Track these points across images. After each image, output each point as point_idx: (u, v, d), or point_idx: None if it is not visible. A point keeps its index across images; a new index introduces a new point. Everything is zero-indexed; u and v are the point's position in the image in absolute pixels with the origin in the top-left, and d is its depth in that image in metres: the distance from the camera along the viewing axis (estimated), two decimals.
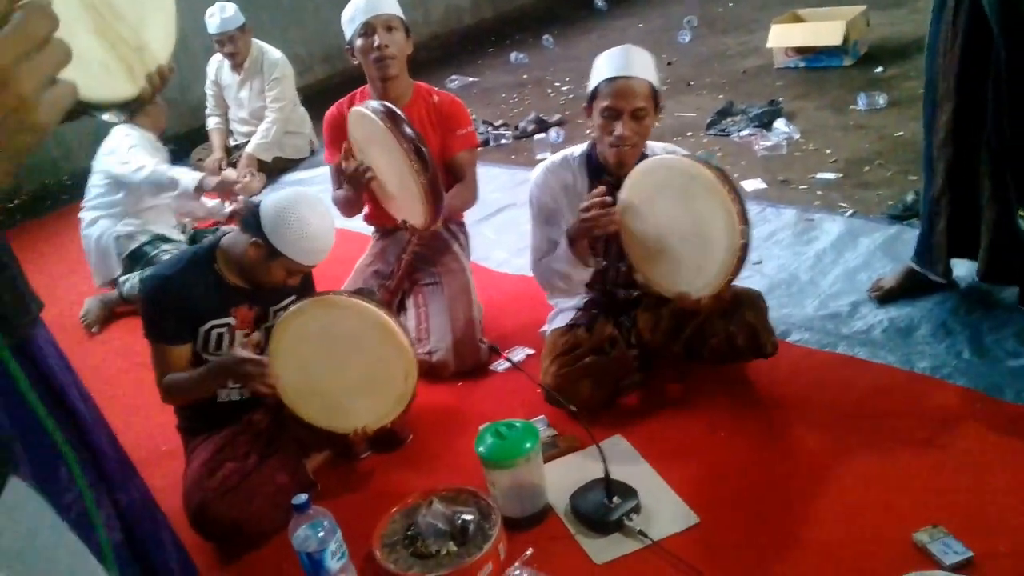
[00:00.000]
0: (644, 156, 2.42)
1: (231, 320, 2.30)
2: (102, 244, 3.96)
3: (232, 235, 2.31)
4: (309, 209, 2.23)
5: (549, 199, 2.52)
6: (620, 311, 2.58)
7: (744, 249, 2.11)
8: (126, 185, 3.92)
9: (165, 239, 3.96)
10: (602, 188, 2.29)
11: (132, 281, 3.75)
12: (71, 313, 3.92)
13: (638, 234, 2.31)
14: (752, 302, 2.42)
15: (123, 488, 1.63)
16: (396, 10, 2.89)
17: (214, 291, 2.27)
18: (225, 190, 4.33)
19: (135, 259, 3.89)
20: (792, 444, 2.24)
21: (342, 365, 2.26)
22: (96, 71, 1.31)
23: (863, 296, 2.80)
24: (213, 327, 2.27)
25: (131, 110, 1.59)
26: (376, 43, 2.81)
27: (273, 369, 2.14)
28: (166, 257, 3.76)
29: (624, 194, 2.30)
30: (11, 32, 0.62)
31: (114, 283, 3.95)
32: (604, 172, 2.45)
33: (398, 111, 2.60)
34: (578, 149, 2.56)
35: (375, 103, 2.64)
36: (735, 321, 2.36)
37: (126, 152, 3.90)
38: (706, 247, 2.15)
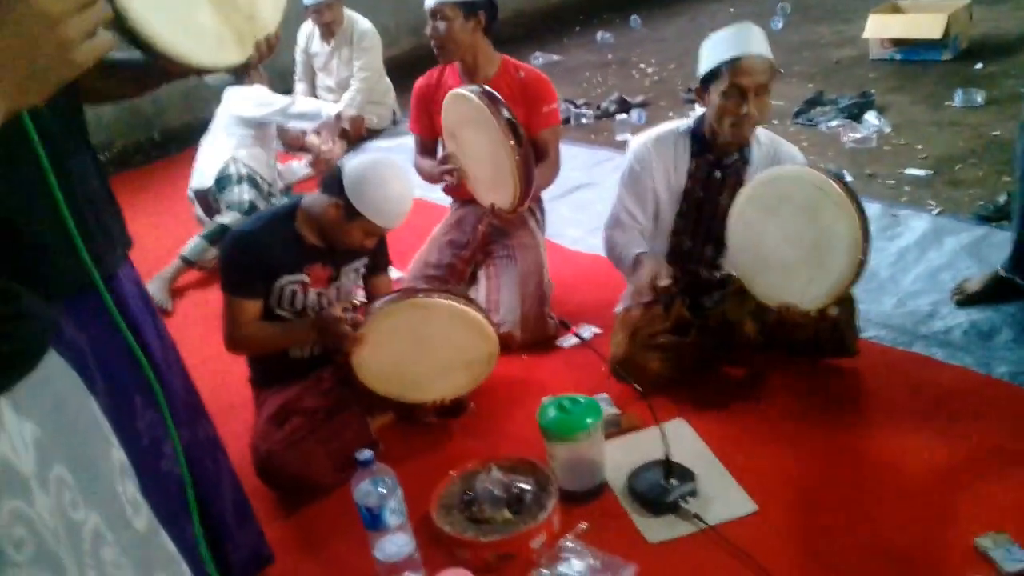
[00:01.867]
0: (749, 144, 2.43)
1: (305, 277, 2.34)
2: (212, 163, 4.12)
3: (313, 196, 2.36)
4: (391, 173, 2.28)
5: (646, 175, 2.49)
6: (701, 291, 2.56)
7: (862, 266, 2.09)
8: (253, 125, 4.14)
9: (253, 181, 4.04)
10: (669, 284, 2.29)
11: (192, 243, 3.80)
12: (161, 260, 4.03)
13: (747, 242, 2.29)
14: (842, 303, 2.35)
15: (188, 426, 1.70)
16: None
17: (291, 248, 2.32)
18: (357, 126, 4.97)
19: (220, 183, 3.99)
20: (859, 440, 2.20)
21: (427, 355, 2.33)
22: (211, 41, 1.38)
23: (944, 296, 2.72)
24: (288, 283, 2.32)
25: (237, 73, 1.65)
26: (429, 31, 2.91)
27: (362, 334, 2.22)
28: (234, 196, 3.90)
29: (742, 199, 2.28)
30: None
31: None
32: (708, 149, 2.44)
33: (495, 93, 2.64)
34: (682, 124, 2.53)
35: (474, 86, 2.69)
36: (823, 319, 2.29)
37: (265, 95, 4.23)
38: (823, 261, 2.12)
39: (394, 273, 2.91)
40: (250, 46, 1.45)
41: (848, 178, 2.27)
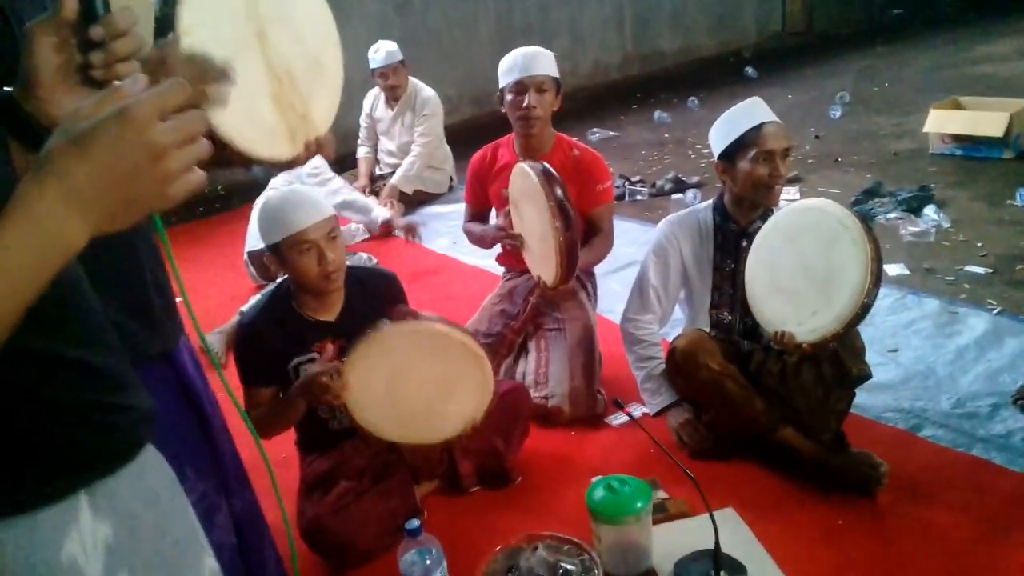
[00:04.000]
0: (770, 210, 2.52)
1: (315, 355, 2.30)
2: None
3: None
4: (265, 199, 2.32)
5: (672, 248, 2.65)
6: (743, 364, 2.55)
7: (865, 308, 2.12)
8: None
9: None
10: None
11: (254, 301, 3.87)
12: (214, 312, 4.11)
13: (765, 268, 2.36)
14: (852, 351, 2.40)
15: (238, 495, 1.71)
16: (551, 71, 2.97)
17: (295, 329, 2.28)
18: (409, 229, 4.98)
19: None
20: (915, 545, 2.13)
21: (418, 385, 2.19)
22: (266, 134, 1.46)
23: (1005, 399, 2.66)
24: (299, 363, 2.29)
25: (284, 168, 1.72)
26: (525, 103, 2.91)
27: (345, 380, 2.09)
28: None
29: (769, 225, 2.38)
30: (175, 123, 0.74)
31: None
32: (730, 219, 2.57)
33: (554, 173, 2.68)
34: (702, 204, 2.71)
35: (537, 164, 2.73)
36: (815, 360, 2.35)
37: (322, 167, 4.50)
38: (829, 294, 2.17)
39: None
40: (300, 144, 1.52)
41: (870, 223, 2.33)
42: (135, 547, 0.91)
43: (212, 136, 1.37)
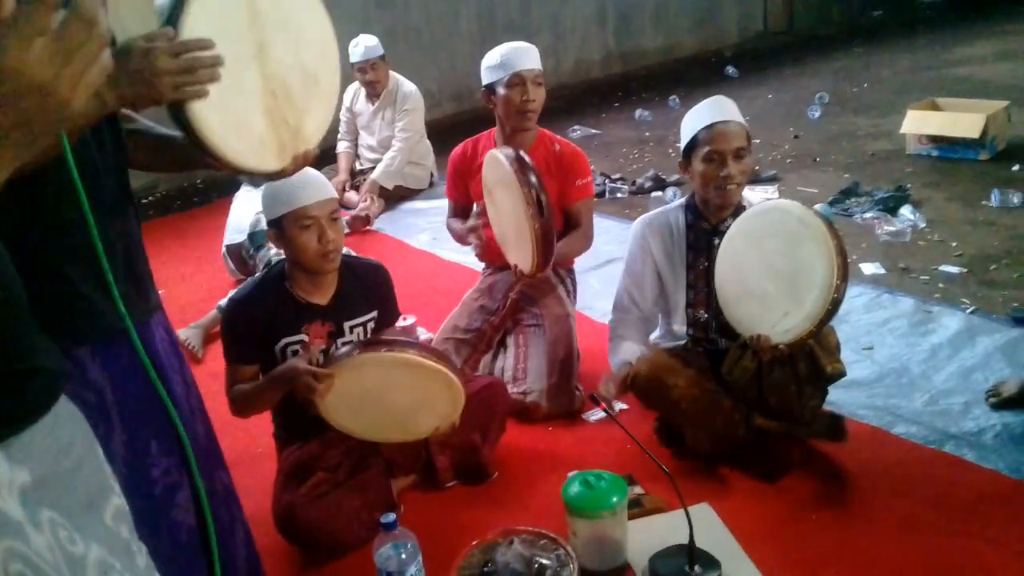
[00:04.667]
0: (741, 205, 2.52)
1: (304, 337, 2.32)
2: (242, 218, 4.23)
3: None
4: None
5: (639, 249, 2.66)
6: (718, 359, 2.55)
7: (835, 304, 2.12)
8: None
9: None
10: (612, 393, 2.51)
11: (228, 297, 3.87)
12: (191, 306, 4.08)
13: (733, 272, 2.37)
14: (820, 385, 2.40)
15: (207, 474, 1.70)
16: (540, 64, 2.98)
17: (286, 309, 2.30)
18: (356, 227, 4.98)
19: (254, 239, 4.11)
20: (888, 539, 2.16)
21: (390, 404, 2.26)
22: (255, 145, 1.47)
23: (977, 397, 2.70)
24: (287, 344, 2.30)
25: (270, 179, 1.73)
26: (524, 97, 2.91)
27: (322, 388, 2.12)
28: (272, 253, 3.97)
29: (733, 229, 2.38)
30: (53, 44, 0.70)
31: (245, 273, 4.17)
32: (702, 218, 2.57)
33: (528, 159, 2.66)
34: (675, 202, 2.73)
35: (509, 150, 2.72)
36: (792, 360, 2.34)
37: None
38: (799, 295, 2.17)
39: (404, 322, 2.93)
40: (288, 157, 1.53)
41: (831, 219, 2.32)
42: (51, 491, 0.95)
43: (198, 141, 1.38)
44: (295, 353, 2.31)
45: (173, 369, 1.66)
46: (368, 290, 2.42)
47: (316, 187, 2.24)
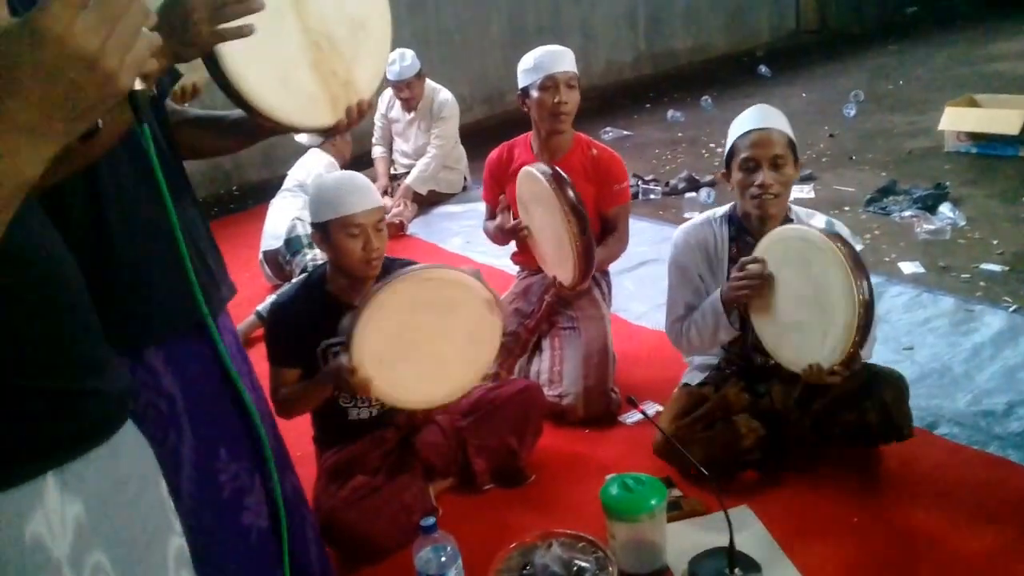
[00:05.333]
0: (788, 219, 2.42)
1: (344, 339, 2.33)
2: (278, 224, 4.28)
3: None
4: (324, 177, 2.30)
5: (688, 261, 2.52)
6: (755, 378, 2.53)
7: (866, 307, 2.05)
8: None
9: None
10: (743, 260, 2.29)
11: (269, 300, 3.91)
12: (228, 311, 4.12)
13: (768, 313, 2.28)
14: (891, 381, 2.34)
15: (283, 477, 1.70)
16: (575, 67, 2.97)
17: (327, 312, 2.31)
18: (391, 232, 4.94)
19: (291, 245, 4.14)
20: (930, 541, 2.13)
21: (427, 337, 2.16)
22: (304, 101, 1.43)
23: (1021, 397, 2.65)
24: (329, 346, 2.32)
25: (326, 135, 1.69)
26: (557, 99, 2.90)
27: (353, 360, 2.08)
28: (308, 259, 4.00)
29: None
30: (94, 15, 0.65)
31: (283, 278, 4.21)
32: (746, 232, 2.45)
33: (564, 175, 2.67)
34: (720, 210, 2.56)
35: (544, 166, 2.72)
36: (870, 399, 2.28)
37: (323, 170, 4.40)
38: (828, 311, 2.10)
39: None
40: (342, 111, 1.48)
41: (831, 228, 2.24)
42: (106, 526, 0.91)
43: (247, 105, 1.35)
44: (336, 355, 2.32)
45: (243, 371, 1.65)
46: None
47: (365, 195, 2.25)
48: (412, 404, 2.26)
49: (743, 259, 2.30)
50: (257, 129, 1.55)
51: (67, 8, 0.64)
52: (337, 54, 1.46)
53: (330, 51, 1.45)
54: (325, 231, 2.25)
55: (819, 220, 2.49)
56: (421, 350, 2.15)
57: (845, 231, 2.42)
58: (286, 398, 2.31)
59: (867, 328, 2.10)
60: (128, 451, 0.98)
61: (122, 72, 0.68)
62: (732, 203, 2.54)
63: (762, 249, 2.27)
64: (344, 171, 2.31)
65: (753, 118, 2.40)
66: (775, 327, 2.28)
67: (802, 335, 2.19)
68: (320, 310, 2.32)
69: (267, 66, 1.34)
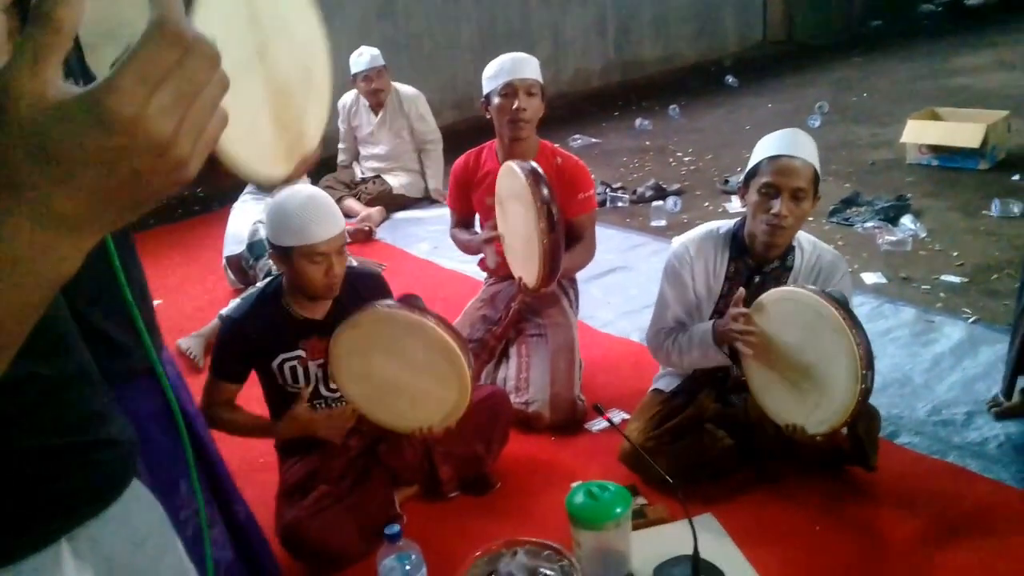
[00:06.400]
0: (791, 247, 2.38)
1: (301, 352, 2.32)
2: (241, 228, 4.24)
3: None
4: (285, 197, 2.23)
5: (686, 273, 2.46)
6: (730, 390, 2.55)
7: (865, 394, 2.04)
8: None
9: None
10: (741, 292, 2.26)
11: (233, 304, 3.86)
12: (192, 315, 4.08)
13: (760, 361, 2.27)
14: (868, 416, 2.34)
15: (237, 502, 1.68)
16: (538, 75, 2.97)
17: (282, 326, 2.30)
18: (357, 239, 5.01)
19: (253, 249, 4.10)
20: (891, 550, 2.16)
21: (399, 371, 2.21)
22: (265, 152, 1.43)
23: (980, 407, 2.70)
24: (284, 361, 2.31)
25: (278, 186, 1.70)
26: (515, 105, 2.89)
27: (345, 392, 2.17)
28: (271, 263, 3.96)
29: (753, 312, 2.26)
30: (171, 95, 0.52)
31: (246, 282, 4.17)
32: (748, 253, 2.41)
33: (542, 173, 2.66)
34: (724, 225, 2.50)
35: (525, 162, 2.72)
36: (833, 440, 2.26)
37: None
38: (827, 386, 2.09)
39: None
40: (293, 162, 1.49)
41: (845, 301, 2.15)
42: None
43: (217, 155, 1.34)
44: (293, 369, 2.32)
45: (188, 401, 1.63)
46: (365, 301, 2.35)
47: (328, 222, 2.20)
48: (354, 399, 2.29)
49: (737, 295, 2.25)
50: (209, 178, 1.53)
51: (142, 86, 0.50)
52: (293, 105, 1.47)
53: (287, 102, 1.46)
54: (286, 255, 2.21)
55: (827, 254, 2.43)
56: (390, 372, 2.21)
57: (843, 266, 2.43)
58: (228, 421, 2.29)
59: (859, 413, 2.09)
60: (141, 505, 0.92)
61: (193, 158, 0.56)
62: (737, 220, 2.47)
63: (772, 300, 2.21)
64: (307, 193, 2.24)
65: (784, 143, 2.31)
66: (766, 376, 2.26)
67: (792, 395, 2.19)
68: (275, 324, 2.30)
69: (240, 119, 1.34)
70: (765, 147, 2.34)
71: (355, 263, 4.18)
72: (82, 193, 0.52)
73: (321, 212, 2.20)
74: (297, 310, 2.31)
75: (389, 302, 2.25)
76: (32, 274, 0.54)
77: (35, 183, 0.51)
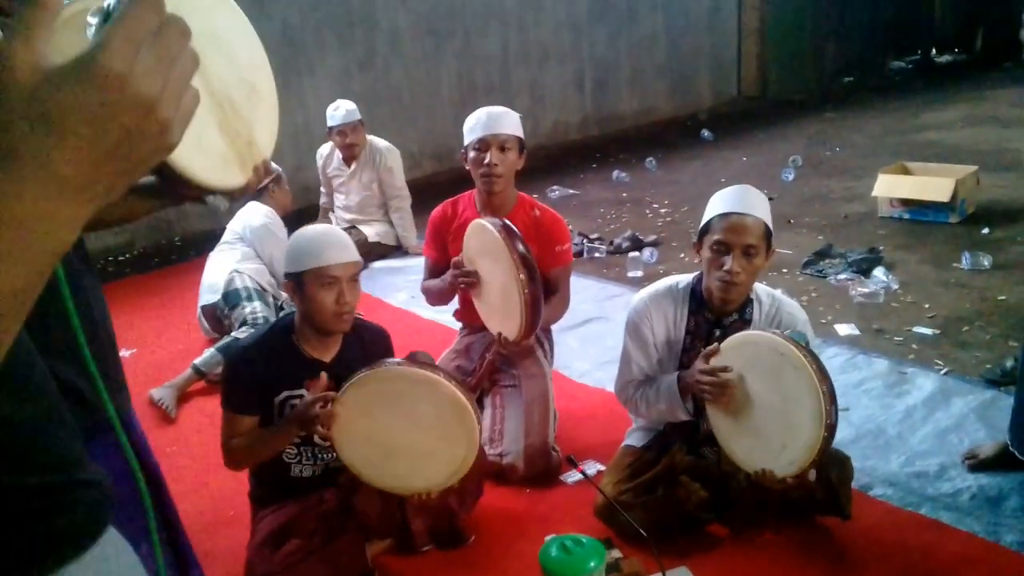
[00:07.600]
0: (749, 300, 2.41)
1: (304, 391, 2.31)
2: (216, 278, 4.22)
3: None
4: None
5: (645, 328, 2.49)
6: (702, 442, 2.54)
7: (831, 430, 2.05)
8: (256, 242, 4.30)
9: (261, 294, 4.13)
10: (715, 347, 2.26)
11: (207, 354, 3.85)
12: (165, 365, 4.04)
13: (725, 409, 2.27)
14: (839, 463, 2.35)
15: (194, 565, 1.65)
16: (515, 130, 3.00)
17: (290, 362, 2.31)
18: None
19: (229, 299, 4.08)
20: None
21: (405, 431, 2.22)
22: (218, 162, 1.45)
23: (953, 459, 2.71)
24: (288, 397, 2.31)
25: (234, 197, 1.71)
26: (487, 160, 2.92)
27: (336, 410, 2.15)
28: (247, 312, 3.95)
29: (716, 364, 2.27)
30: (152, 56, 0.57)
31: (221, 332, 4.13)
32: (706, 308, 2.43)
33: (513, 227, 2.69)
34: (683, 280, 2.52)
35: (495, 219, 2.74)
36: (817, 476, 2.27)
37: (273, 226, 4.38)
38: (792, 425, 2.10)
39: None
40: (249, 170, 1.50)
41: (806, 342, 2.16)
42: None
43: (162, 170, 1.35)
44: (293, 408, 2.30)
45: (153, 463, 1.60)
46: (370, 354, 2.38)
47: (343, 248, 2.29)
48: (363, 475, 2.27)
49: (708, 350, 2.27)
50: (170, 194, 1.53)
51: (129, 44, 0.56)
52: (238, 116, 1.49)
53: (232, 113, 1.48)
54: (299, 281, 2.25)
55: (786, 305, 2.46)
56: (393, 436, 2.22)
57: (802, 316, 2.44)
58: (240, 447, 2.27)
59: (827, 449, 2.09)
60: (117, 552, 0.90)
61: (175, 123, 0.60)
62: (696, 274, 2.50)
63: (732, 346, 2.23)
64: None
65: (734, 200, 2.33)
66: (732, 426, 2.27)
67: (759, 440, 2.19)
68: (283, 359, 2.31)
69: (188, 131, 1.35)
70: (716, 204, 2.36)
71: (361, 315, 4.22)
72: (81, 154, 0.56)
73: (335, 238, 2.32)
74: (306, 348, 2.33)
75: (397, 360, 2.27)
76: (37, 241, 0.57)
77: (37, 149, 0.55)
